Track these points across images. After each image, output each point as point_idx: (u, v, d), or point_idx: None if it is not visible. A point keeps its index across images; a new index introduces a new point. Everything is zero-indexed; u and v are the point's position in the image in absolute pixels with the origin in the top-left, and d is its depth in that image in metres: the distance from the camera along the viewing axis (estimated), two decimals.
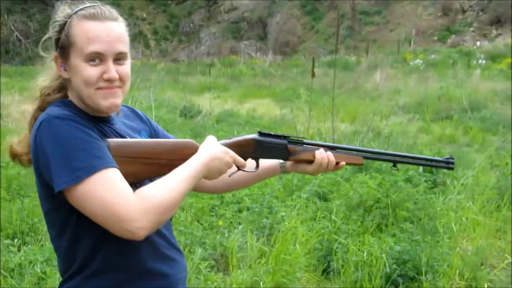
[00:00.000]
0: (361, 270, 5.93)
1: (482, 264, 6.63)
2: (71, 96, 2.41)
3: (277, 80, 26.95)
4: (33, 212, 7.19)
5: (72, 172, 2.12)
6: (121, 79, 2.36)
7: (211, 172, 2.41)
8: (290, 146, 2.67)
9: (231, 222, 7.15)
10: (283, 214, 7.01)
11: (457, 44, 41.79)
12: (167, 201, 2.19)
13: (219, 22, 56.11)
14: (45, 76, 2.47)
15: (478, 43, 41.36)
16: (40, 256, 5.99)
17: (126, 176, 2.21)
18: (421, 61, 32.59)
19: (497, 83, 22.73)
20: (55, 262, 5.91)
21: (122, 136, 2.43)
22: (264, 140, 2.64)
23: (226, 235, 6.71)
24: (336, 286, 6.07)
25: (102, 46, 2.30)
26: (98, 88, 2.32)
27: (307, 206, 7.48)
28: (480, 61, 32.79)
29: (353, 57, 37.33)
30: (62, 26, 2.36)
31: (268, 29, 51.60)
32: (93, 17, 2.33)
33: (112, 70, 2.32)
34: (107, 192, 2.12)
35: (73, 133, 2.18)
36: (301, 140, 2.71)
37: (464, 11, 47.17)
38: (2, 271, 5.77)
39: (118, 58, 2.35)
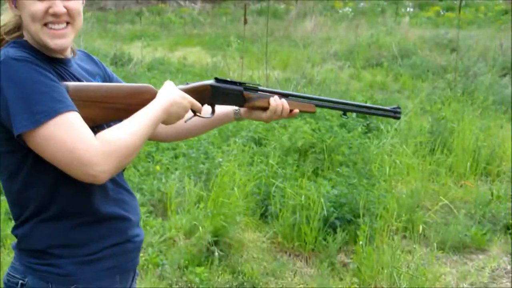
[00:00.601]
0: (299, 214, 5.96)
1: (417, 206, 6.73)
2: (26, 36, 2.32)
3: (207, 29, 26.74)
4: None
5: (32, 115, 2.05)
6: (70, 14, 2.27)
7: (170, 117, 2.38)
8: (246, 92, 2.66)
9: (168, 168, 7.10)
10: (220, 159, 6.99)
11: None
12: (128, 145, 2.15)
13: None
14: (5, 16, 2.37)
15: None
16: None
17: (84, 120, 2.14)
18: (350, 9, 32.66)
19: (425, 31, 22.94)
20: None
21: (78, 79, 2.36)
22: (221, 86, 2.62)
23: (163, 180, 6.68)
24: (274, 229, 6.11)
25: None
26: (45, 24, 2.24)
27: (244, 151, 7.47)
28: (408, 9, 33.03)
29: (282, 5, 37.18)
30: None
31: None
32: None
33: (58, 5, 2.24)
34: (69, 136, 2.07)
35: (32, 75, 2.10)
36: (257, 87, 2.69)
37: None
38: None
39: None
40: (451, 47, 18.19)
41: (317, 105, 2.77)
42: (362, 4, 35.66)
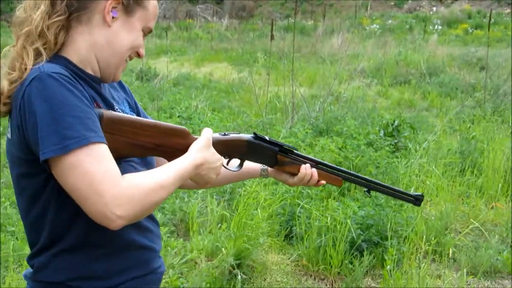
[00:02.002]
0: (325, 236, 5.80)
1: (446, 229, 6.54)
2: (74, 45, 2.14)
3: (234, 44, 26.70)
4: None
5: (62, 140, 1.87)
6: None
7: (198, 176, 2.21)
8: (279, 155, 2.59)
9: None
10: None
11: (414, 10, 41.79)
12: (154, 196, 1.97)
13: None
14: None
15: (434, 8, 41.41)
16: None
17: None
18: (378, 26, 32.50)
19: (454, 48, 22.75)
20: (10, 228, 5.73)
21: (107, 102, 2.22)
22: (258, 144, 2.55)
23: (186, 199, 6.54)
24: (299, 252, 5.93)
25: (153, 24, 2.26)
26: (127, 58, 2.22)
27: None
28: (436, 26, 32.81)
29: (310, 21, 37.13)
30: None
31: None
32: None
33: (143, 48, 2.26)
34: (96, 168, 1.89)
35: (67, 97, 1.92)
36: (292, 151, 2.63)
37: None
38: None
39: None
40: (480, 65, 18.00)
41: (344, 179, 2.74)
42: (389, 21, 35.53)
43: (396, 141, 9.09)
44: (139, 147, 2.16)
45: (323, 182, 2.67)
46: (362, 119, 10.39)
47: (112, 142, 2.03)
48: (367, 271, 5.72)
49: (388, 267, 5.37)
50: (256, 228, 5.81)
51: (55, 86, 1.92)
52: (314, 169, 2.65)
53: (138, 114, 2.46)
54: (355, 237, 5.77)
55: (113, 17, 2.13)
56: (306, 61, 19.78)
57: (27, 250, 5.19)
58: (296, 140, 8.38)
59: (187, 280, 5.29)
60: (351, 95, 12.76)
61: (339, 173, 2.72)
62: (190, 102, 12.13)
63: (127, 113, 2.33)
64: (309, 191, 6.66)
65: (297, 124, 9.82)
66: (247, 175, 2.73)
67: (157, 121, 2.29)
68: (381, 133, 9.16)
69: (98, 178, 1.88)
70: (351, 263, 5.70)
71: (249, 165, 2.63)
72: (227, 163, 2.51)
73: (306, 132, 8.79)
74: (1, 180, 7.08)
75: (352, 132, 8.62)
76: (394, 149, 8.74)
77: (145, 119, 2.27)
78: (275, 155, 2.58)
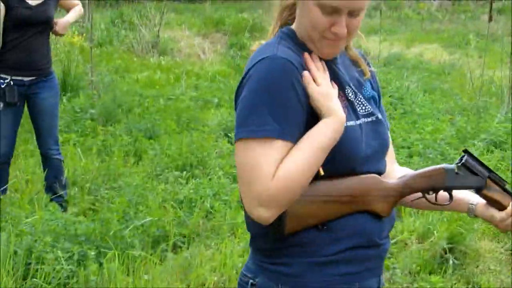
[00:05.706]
0: None
1: None
2: (298, 24, 2.17)
3: (445, 25, 26.11)
4: (202, 146, 7.18)
5: (253, 126, 1.97)
6: (349, 32, 2.07)
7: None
8: (489, 180, 2.28)
9: None
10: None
11: None
12: (297, 189, 1.98)
13: None
14: None
15: None
16: (209, 190, 5.95)
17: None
18: None
19: None
20: (224, 197, 5.88)
21: (341, 83, 2.18)
22: (460, 172, 2.26)
23: None
24: None
25: (341, 3, 2.02)
26: (323, 37, 2.08)
27: (482, 155, 7.10)
28: None
29: None
30: None
31: None
32: None
33: (343, 26, 2.04)
34: (258, 163, 1.95)
35: (283, 92, 1.99)
36: (503, 182, 2.32)
37: None
38: (172, 202, 5.77)
39: (354, 12, 2.07)
40: None
41: None
42: None
43: None
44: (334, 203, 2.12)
45: None
46: None
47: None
48: None
49: None
50: None
51: (278, 77, 2.00)
52: None
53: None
54: None
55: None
56: None
57: (240, 219, 5.34)
58: None
59: (397, 260, 5.23)
60: None
61: None
62: (402, 83, 11.99)
63: (367, 93, 2.32)
64: None
65: None
66: (453, 207, 2.45)
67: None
68: None
69: (249, 176, 1.97)
70: None
71: (458, 198, 2.37)
72: (435, 199, 2.29)
73: None
74: None
75: None
76: None
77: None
78: (483, 179, 2.28)
